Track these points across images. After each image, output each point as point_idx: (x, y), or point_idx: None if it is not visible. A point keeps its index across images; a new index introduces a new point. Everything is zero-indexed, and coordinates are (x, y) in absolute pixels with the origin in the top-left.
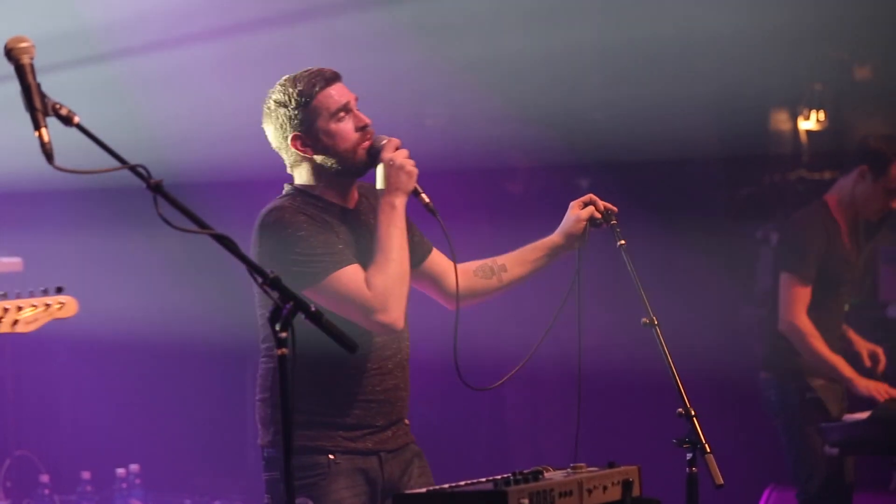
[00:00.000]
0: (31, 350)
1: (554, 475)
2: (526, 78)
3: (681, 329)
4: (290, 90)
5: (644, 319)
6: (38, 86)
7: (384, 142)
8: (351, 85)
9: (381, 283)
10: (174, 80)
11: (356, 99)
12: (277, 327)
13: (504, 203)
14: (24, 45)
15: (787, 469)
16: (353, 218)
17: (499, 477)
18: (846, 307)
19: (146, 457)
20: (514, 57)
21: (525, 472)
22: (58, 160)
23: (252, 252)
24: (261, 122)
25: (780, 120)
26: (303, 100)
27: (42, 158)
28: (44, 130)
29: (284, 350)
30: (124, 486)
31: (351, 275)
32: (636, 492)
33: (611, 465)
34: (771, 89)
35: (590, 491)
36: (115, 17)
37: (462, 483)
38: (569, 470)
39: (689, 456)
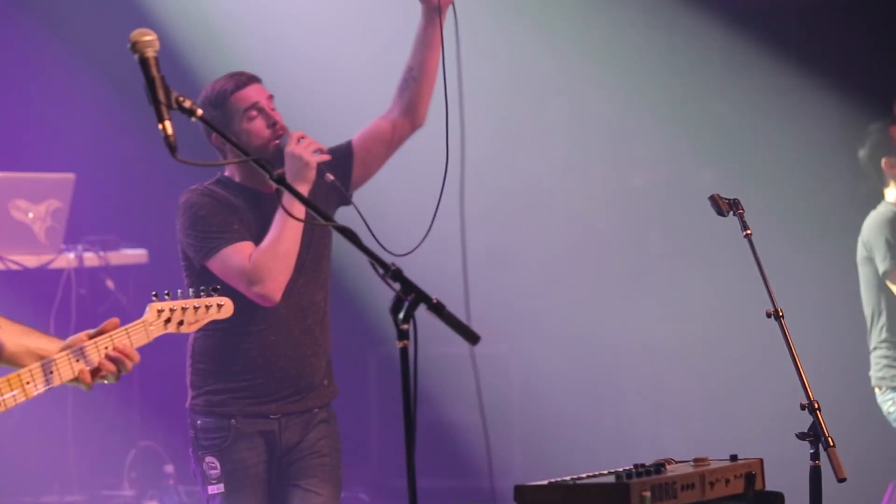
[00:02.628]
0: (156, 341)
1: (676, 468)
2: (647, 68)
3: (805, 321)
4: (209, 93)
5: (768, 310)
6: (163, 78)
7: (288, 136)
8: (472, 76)
9: (261, 258)
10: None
11: (270, 97)
12: (400, 317)
13: (626, 195)
14: (147, 38)
15: None
16: (267, 202)
17: (621, 469)
18: None
19: None
20: (636, 47)
21: (647, 464)
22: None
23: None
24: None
25: None
26: (218, 100)
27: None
28: (167, 123)
29: (406, 342)
30: None
31: (239, 250)
32: (759, 485)
33: (733, 459)
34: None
35: (712, 484)
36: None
37: (584, 475)
38: (692, 463)
39: (812, 449)
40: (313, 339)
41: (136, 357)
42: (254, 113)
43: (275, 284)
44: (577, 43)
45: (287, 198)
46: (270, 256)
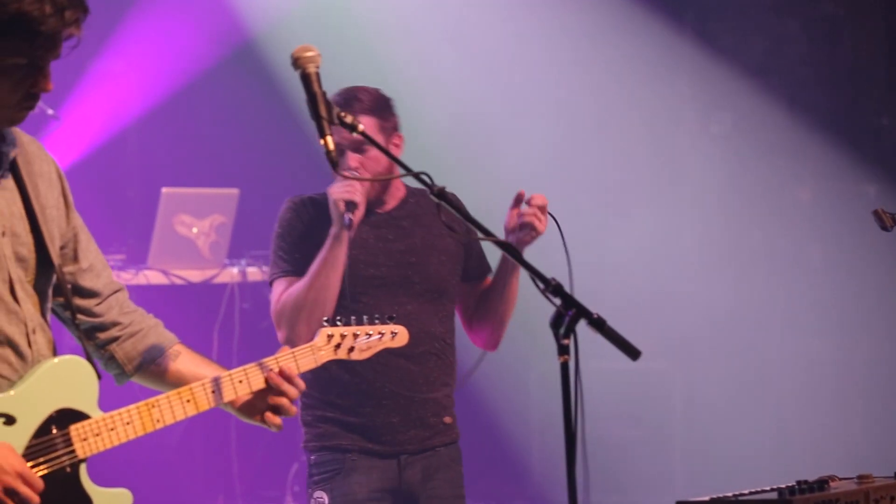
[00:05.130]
0: None
1: (840, 485)
2: (810, 81)
3: None
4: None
5: None
6: (324, 94)
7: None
8: (634, 93)
9: (286, 303)
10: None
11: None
12: (561, 332)
13: (789, 209)
14: (309, 54)
15: None
16: (382, 220)
17: (783, 486)
18: None
19: None
20: (798, 60)
21: (810, 481)
22: None
23: None
24: None
25: None
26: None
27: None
28: (329, 138)
29: (567, 357)
30: None
31: (281, 285)
32: None
33: None
34: None
35: (877, 501)
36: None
37: (746, 491)
38: (855, 480)
39: None
40: (426, 370)
41: (300, 384)
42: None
43: (293, 334)
44: (739, 56)
45: (334, 232)
46: (294, 305)
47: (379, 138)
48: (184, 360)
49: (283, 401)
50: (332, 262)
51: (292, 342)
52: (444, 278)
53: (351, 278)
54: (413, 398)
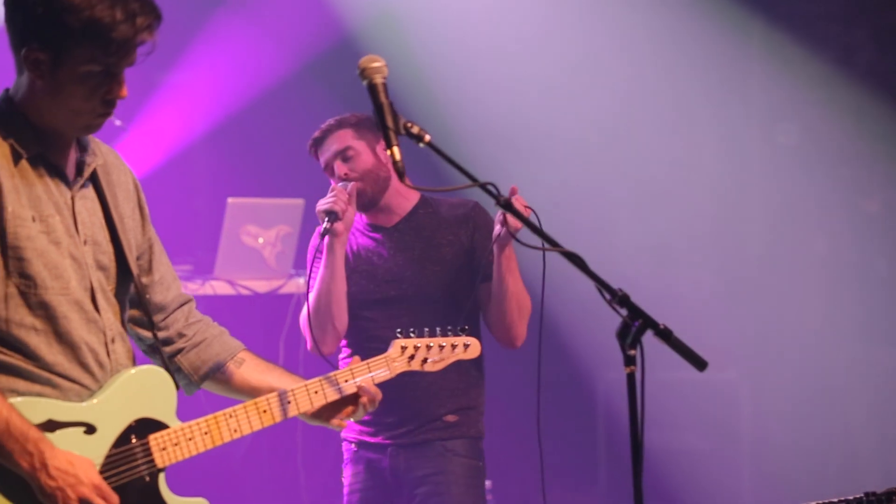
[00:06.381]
0: None
1: None
2: (878, 92)
3: None
4: None
5: None
6: (391, 104)
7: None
8: (696, 102)
9: (306, 316)
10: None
11: (342, 150)
12: (627, 343)
13: (858, 221)
14: (376, 64)
15: None
16: (391, 235)
17: (851, 497)
18: None
19: (498, 473)
20: (867, 71)
21: (878, 493)
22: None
23: None
24: None
25: None
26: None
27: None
28: (395, 149)
29: (633, 367)
30: None
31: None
32: None
33: None
34: None
35: None
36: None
37: (813, 503)
38: None
39: None
40: (424, 381)
41: (377, 395)
42: (328, 172)
43: (314, 342)
44: (806, 68)
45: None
46: (311, 314)
47: (363, 148)
48: (248, 367)
49: (353, 412)
50: (328, 269)
51: (316, 348)
52: (439, 288)
53: (351, 297)
54: (407, 406)
